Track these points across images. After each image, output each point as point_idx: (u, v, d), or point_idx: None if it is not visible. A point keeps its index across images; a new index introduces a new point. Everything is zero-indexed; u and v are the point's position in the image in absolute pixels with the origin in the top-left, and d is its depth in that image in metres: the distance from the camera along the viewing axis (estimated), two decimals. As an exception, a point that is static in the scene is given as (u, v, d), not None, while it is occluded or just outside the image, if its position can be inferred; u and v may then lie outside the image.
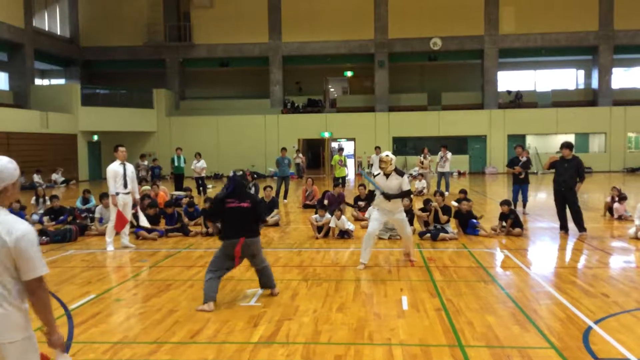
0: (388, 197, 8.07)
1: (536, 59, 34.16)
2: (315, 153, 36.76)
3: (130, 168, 10.27)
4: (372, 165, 20.53)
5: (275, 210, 13.08)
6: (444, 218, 10.81)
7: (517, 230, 10.92)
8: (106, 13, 33.36)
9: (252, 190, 16.58)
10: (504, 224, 11.02)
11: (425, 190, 19.02)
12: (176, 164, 20.63)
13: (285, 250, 9.93)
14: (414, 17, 31.87)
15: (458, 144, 31.21)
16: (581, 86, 34.90)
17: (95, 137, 30.34)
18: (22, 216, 12.24)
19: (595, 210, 14.13)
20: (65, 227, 11.55)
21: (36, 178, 24.86)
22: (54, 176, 26.25)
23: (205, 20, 33.18)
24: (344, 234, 10.95)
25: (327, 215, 11.21)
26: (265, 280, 6.75)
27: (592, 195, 18.55)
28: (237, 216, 6.40)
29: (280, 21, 32.77)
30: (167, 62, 33.64)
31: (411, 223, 11.30)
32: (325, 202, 12.75)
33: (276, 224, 12.63)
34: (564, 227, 11.06)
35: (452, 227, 11.03)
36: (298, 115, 32.79)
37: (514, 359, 4.75)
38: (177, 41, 33.36)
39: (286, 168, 17.93)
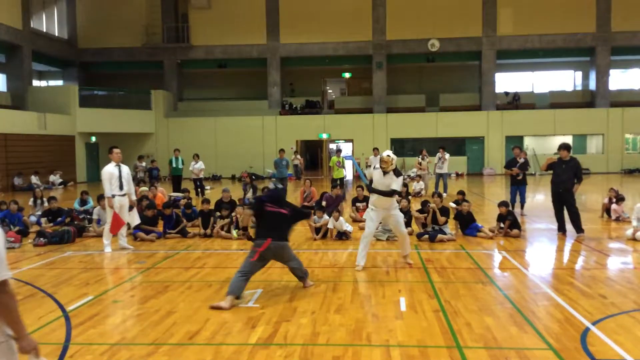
0: (370, 189, 8.12)
1: (534, 61, 34.24)
2: (314, 154, 36.77)
3: (125, 169, 10.26)
4: (369, 166, 20.53)
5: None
6: (442, 219, 10.81)
7: (515, 231, 10.94)
8: (104, 14, 33.33)
9: (250, 192, 16.60)
10: (502, 225, 11.03)
11: (423, 192, 19.04)
12: (174, 165, 20.64)
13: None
14: (412, 18, 31.90)
15: (456, 146, 31.27)
16: (579, 87, 34.96)
17: (93, 139, 30.30)
18: (19, 218, 12.24)
19: (593, 212, 14.15)
20: (63, 228, 11.54)
21: (34, 179, 24.84)
22: (52, 177, 26.23)
23: (203, 21, 33.19)
24: (342, 235, 10.95)
25: (325, 216, 11.21)
26: (297, 275, 7.22)
27: (589, 196, 18.58)
28: (272, 219, 6.83)
29: (278, 23, 32.79)
30: (165, 63, 33.62)
31: (409, 224, 11.36)
32: (324, 203, 12.75)
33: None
34: (561, 229, 11.07)
35: (450, 228, 11.03)
36: (296, 117, 32.79)
37: (512, 360, 4.75)
38: (175, 42, 33.35)
39: (284, 169, 17.93)
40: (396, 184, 8.07)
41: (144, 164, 26.45)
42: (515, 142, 28.54)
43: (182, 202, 14.01)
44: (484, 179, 29.03)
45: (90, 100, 30.26)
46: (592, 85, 32.56)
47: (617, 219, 12.86)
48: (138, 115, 31.37)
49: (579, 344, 5.09)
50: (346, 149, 32.26)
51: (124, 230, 10.36)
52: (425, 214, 11.11)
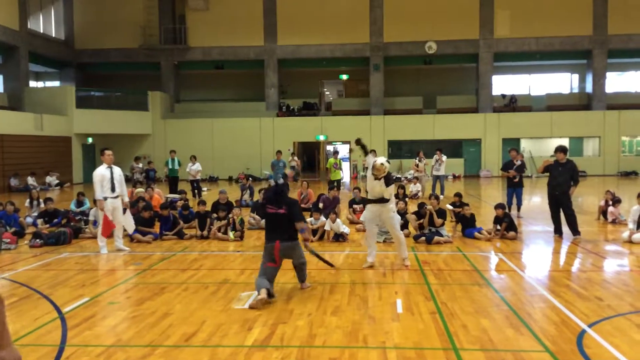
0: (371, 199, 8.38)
1: (531, 63, 34.33)
2: (311, 156, 36.77)
3: (117, 171, 10.21)
4: (367, 168, 20.50)
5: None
6: (438, 221, 10.83)
7: (512, 233, 10.95)
8: (101, 15, 33.30)
9: (247, 193, 16.59)
10: (499, 227, 11.04)
11: (420, 194, 19.05)
12: (170, 166, 20.62)
13: (280, 253, 9.91)
14: (410, 20, 31.94)
15: (453, 148, 31.30)
16: (575, 90, 35.05)
17: (90, 140, 30.23)
18: (15, 219, 12.21)
19: (590, 214, 14.17)
20: (59, 229, 11.51)
21: (30, 180, 24.78)
22: (48, 179, 26.16)
23: (200, 23, 33.17)
24: (339, 237, 10.95)
25: (322, 218, 11.20)
26: (299, 274, 7.28)
27: (586, 198, 18.62)
28: (274, 221, 6.96)
29: (275, 24, 32.79)
30: (162, 64, 33.59)
31: (406, 227, 11.37)
32: (320, 205, 12.75)
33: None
34: (558, 231, 11.09)
35: (447, 230, 11.05)
36: (293, 118, 32.79)
37: (508, 363, 4.76)
38: (172, 44, 33.32)
39: (281, 171, 17.92)
40: (386, 192, 8.24)
41: (140, 165, 26.42)
42: (512, 144, 28.61)
43: (179, 203, 14.00)
44: (480, 181, 29.06)
45: (87, 101, 30.19)
46: (589, 87, 32.65)
47: (614, 222, 12.88)
48: (135, 117, 31.32)
49: (575, 346, 5.10)
50: (343, 150, 32.28)
51: (120, 232, 10.34)
52: (422, 218, 11.11)
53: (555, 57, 33.20)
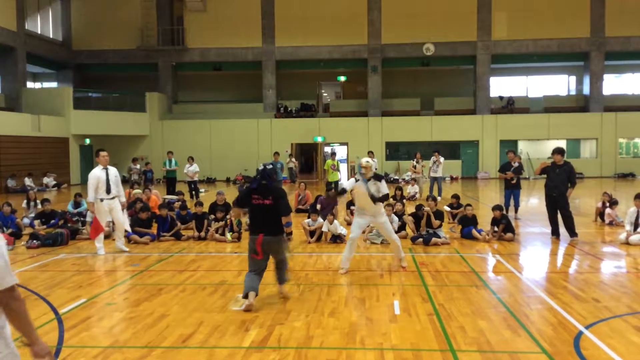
0: (374, 199, 8.01)
1: (528, 65, 34.38)
2: (308, 157, 36.77)
3: (113, 172, 10.15)
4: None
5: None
6: (436, 223, 10.83)
7: (509, 235, 10.96)
8: (99, 16, 33.26)
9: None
10: (496, 228, 11.05)
11: (417, 195, 19.06)
12: (167, 167, 20.62)
13: (278, 254, 9.91)
14: (407, 22, 31.98)
15: (451, 149, 31.33)
16: (573, 92, 35.11)
17: (88, 141, 30.20)
18: (12, 220, 12.18)
19: (587, 216, 14.20)
20: (57, 230, 11.48)
21: (28, 181, 24.73)
22: (46, 180, 26.12)
23: (198, 24, 33.16)
24: (337, 239, 10.95)
25: (320, 219, 11.20)
26: (278, 274, 6.90)
27: (583, 200, 18.64)
28: (259, 212, 6.57)
29: (273, 26, 32.79)
30: (160, 65, 33.57)
31: (403, 229, 11.38)
32: (318, 206, 12.74)
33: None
34: (555, 232, 11.11)
35: (444, 231, 11.06)
36: (291, 120, 32.80)
37: (506, 364, 4.76)
38: (170, 45, 33.29)
39: (279, 172, 17.92)
40: (383, 187, 8.19)
41: (138, 166, 26.37)
42: (509, 146, 28.63)
43: (176, 204, 13.98)
44: (478, 182, 29.09)
45: (85, 102, 30.14)
46: (586, 90, 32.71)
47: (611, 223, 12.90)
48: (132, 118, 31.28)
49: (572, 347, 5.10)
50: (341, 152, 32.27)
51: (121, 233, 10.30)
52: (419, 219, 11.12)
53: (553, 59, 33.26)
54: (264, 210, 6.54)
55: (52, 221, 12.85)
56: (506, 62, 33.48)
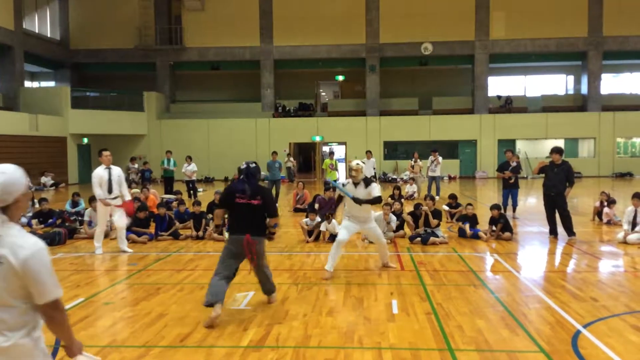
0: (359, 201, 7.77)
1: (526, 65, 34.41)
2: (307, 157, 36.76)
3: (116, 172, 10.11)
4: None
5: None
6: (434, 222, 10.83)
7: (507, 234, 10.97)
8: (97, 15, 33.20)
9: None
10: (494, 228, 11.06)
11: (416, 195, 19.07)
12: (166, 167, 20.62)
13: (276, 254, 9.91)
14: (405, 22, 31.98)
15: (449, 149, 31.35)
16: (570, 92, 35.16)
17: (85, 140, 30.15)
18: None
19: (585, 215, 14.21)
20: (54, 230, 11.47)
21: (25, 181, 24.65)
22: (43, 179, 26.08)
23: (196, 23, 33.12)
24: (335, 238, 10.92)
25: (318, 219, 11.20)
26: (264, 286, 6.55)
27: (581, 199, 18.67)
28: (245, 212, 6.10)
29: (271, 25, 32.77)
30: (158, 65, 33.52)
31: (402, 227, 11.38)
32: (316, 206, 12.74)
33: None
34: (553, 232, 11.12)
35: (442, 231, 11.06)
36: (289, 119, 32.79)
37: (504, 363, 4.76)
38: (168, 44, 33.25)
39: (277, 172, 17.92)
40: (374, 190, 7.94)
41: (136, 165, 26.38)
42: (507, 145, 28.67)
43: (174, 204, 13.96)
44: (476, 182, 29.12)
45: (83, 101, 30.09)
46: (584, 89, 32.75)
47: (609, 222, 12.92)
48: (130, 117, 31.24)
49: (570, 346, 5.11)
50: (339, 151, 32.27)
51: (123, 234, 10.27)
52: (418, 219, 11.12)
53: (551, 58, 33.31)
54: (251, 210, 6.11)
55: (50, 220, 12.83)
56: (504, 61, 33.52)
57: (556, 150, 11.02)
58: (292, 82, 35.14)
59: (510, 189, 14.12)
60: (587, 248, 10.09)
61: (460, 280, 7.71)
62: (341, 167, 28.87)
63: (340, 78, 35.86)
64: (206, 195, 19.77)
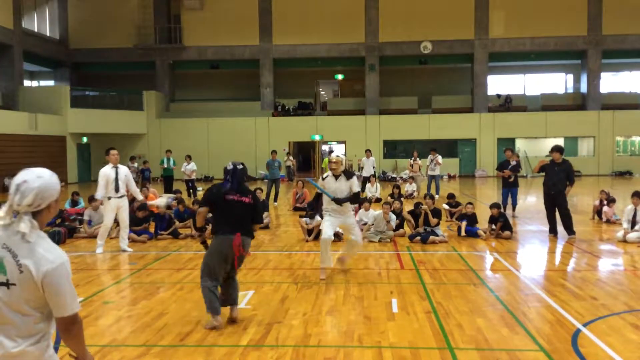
0: (339, 201, 7.67)
1: (525, 63, 34.42)
2: (306, 156, 36.75)
3: (123, 171, 10.09)
4: (362, 168, 20.58)
5: (266, 213, 13.06)
6: (434, 221, 10.84)
7: (507, 233, 10.97)
8: (96, 15, 33.18)
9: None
10: (494, 226, 11.06)
11: (415, 194, 19.08)
12: (165, 166, 20.62)
13: (276, 252, 9.92)
14: (405, 20, 31.97)
15: (448, 147, 31.35)
16: (570, 90, 35.17)
17: (85, 139, 30.14)
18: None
19: (584, 214, 14.21)
20: (54, 229, 11.45)
21: (24, 180, 24.65)
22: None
23: (195, 22, 33.10)
24: (334, 237, 10.91)
25: (317, 217, 11.19)
26: (228, 293, 5.92)
27: (580, 198, 18.67)
28: (235, 210, 5.72)
29: (270, 24, 32.76)
30: (157, 64, 33.50)
31: (401, 226, 11.39)
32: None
33: (266, 227, 12.61)
34: (553, 230, 11.12)
35: (442, 230, 11.07)
36: (289, 118, 32.78)
37: (503, 362, 4.77)
38: (167, 43, 33.23)
39: (276, 171, 17.93)
40: (355, 185, 7.86)
41: (135, 164, 26.33)
42: (507, 144, 28.68)
43: (174, 203, 13.95)
44: (475, 180, 29.12)
45: (82, 100, 30.09)
46: (584, 88, 32.76)
47: (608, 221, 12.93)
48: (130, 116, 31.22)
49: (569, 345, 5.11)
50: (339, 150, 32.29)
51: (125, 233, 10.26)
52: (417, 217, 11.13)
53: (550, 57, 33.33)
54: (243, 207, 5.79)
55: (50, 220, 12.80)
56: (504, 60, 33.54)
57: (557, 149, 11.03)
58: (291, 81, 35.12)
59: (509, 188, 14.12)
60: (586, 247, 10.09)
61: (460, 279, 7.71)
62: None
63: (340, 77, 35.85)
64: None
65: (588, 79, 32.05)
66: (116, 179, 9.91)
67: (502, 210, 11.83)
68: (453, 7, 31.80)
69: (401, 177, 28.40)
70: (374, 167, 20.24)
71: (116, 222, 10.67)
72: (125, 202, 10.11)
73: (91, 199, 12.02)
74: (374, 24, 32.24)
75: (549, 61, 34.23)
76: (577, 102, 33.02)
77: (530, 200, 18.75)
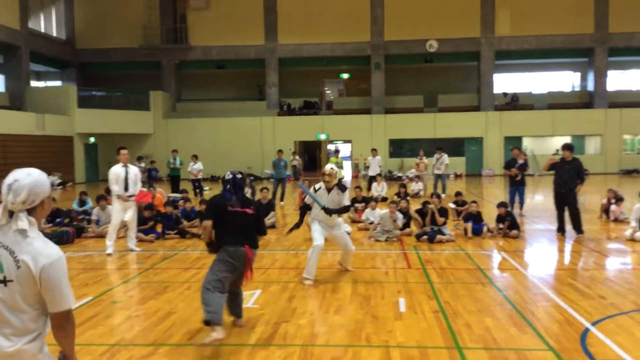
0: (329, 211, 7.50)
1: (532, 61, 34.32)
2: (312, 155, 36.76)
3: (133, 171, 10.12)
4: (368, 167, 20.56)
5: (272, 212, 13.08)
6: (440, 220, 10.83)
7: (514, 232, 10.94)
8: (102, 15, 33.31)
9: (249, 193, 16.61)
10: (501, 225, 11.03)
11: (422, 193, 19.05)
12: (172, 165, 20.69)
13: (282, 252, 9.93)
14: (410, 19, 31.92)
15: (454, 146, 31.23)
16: (577, 88, 35.03)
17: (92, 139, 30.26)
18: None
19: (592, 212, 14.15)
20: (62, 229, 11.52)
21: (32, 180, 24.77)
22: (51, 178, 25.99)
23: (201, 22, 33.17)
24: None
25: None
26: (235, 305, 5.80)
27: (588, 197, 18.58)
28: (239, 222, 5.53)
29: (276, 23, 32.78)
30: (164, 64, 33.58)
31: (408, 226, 11.37)
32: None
33: (273, 226, 12.62)
34: (561, 229, 11.07)
35: (449, 229, 11.04)
36: (294, 118, 32.79)
37: (512, 361, 4.75)
38: (173, 43, 33.33)
39: (283, 170, 17.95)
40: (345, 199, 7.75)
41: (142, 164, 26.41)
42: (513, 142, 28.56)
43: (180, 202, 13.99)
44: (482, 179, 29.05)
45: (89, 101, 30.21)
46: (590, 86, 32.62)
47: (616, 220, 12.87)
48: (136, 116, 31.32)
49: (578, 344, 5.09)
50: (344, 149, 32.27)
51: (133, 233, 10.29)
52: (424, 216, 11.11)
53: (557, 55, 33.19)
54: (247, 219, 5.58)
55: (58, 219, 12.88)
56: (510, 58, 33.43)
57: (567, 147, 10.99)
58: (296, 80, 35.14)
59: (517, 187, 14.07)
60: (594, 245, 10.05)
61: (468, 278, 7.69)
62: (347, 165, 28.92)
63: (345, 76, 35.82)
64: (212, 194, 19.80)
65: (595, 77, 31.90)
66: (126, 178, 9.94)
67: (509, 209, 11.80)
68: (459, 5, 31.73)
69: (407, 176, 28.35)
70: (380, 166, 20.23)
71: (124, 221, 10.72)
72: (133, 202, 10.12)
73: (99, 199, 12.07)
74: (380, 23, 32.20)
75: (556, 59, 34.11)
76: (584, 100, 32.89)
77: (538, 199, 18.68)
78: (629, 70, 35.21)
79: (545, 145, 31.43)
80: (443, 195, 16.47)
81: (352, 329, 5.62)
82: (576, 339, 5.22)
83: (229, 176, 5.71)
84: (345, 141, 32.74)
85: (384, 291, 7.06)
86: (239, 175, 5.73)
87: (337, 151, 20.11)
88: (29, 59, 29.58)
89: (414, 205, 13.54)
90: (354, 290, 7.14)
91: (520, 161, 14.09)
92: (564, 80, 35.91)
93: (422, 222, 11.17)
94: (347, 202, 7.78)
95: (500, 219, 11.12)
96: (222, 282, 5.34)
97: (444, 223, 10.88)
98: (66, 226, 11.85)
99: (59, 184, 26.28)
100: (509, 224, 11.01)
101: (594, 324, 5.63)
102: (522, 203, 14.18)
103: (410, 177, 26.16)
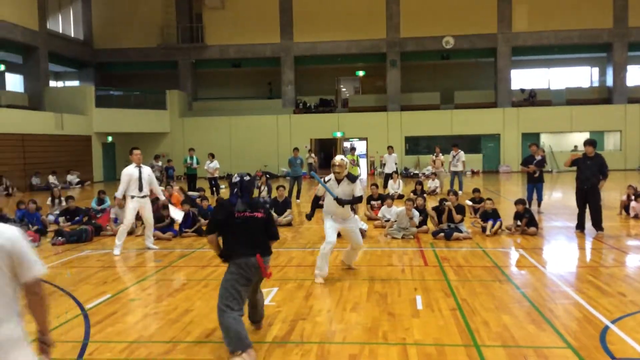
0: (341, 202, 7.41)
1: (549, 57, 33.89)
2: (328, 153, 36.75)
3: (146, 171, 10.16)
4: (384, 164, 20.51)
5: (288, 210, 13.11)
6: (457, 217, 10.77)
7: (532, 229, 10.85)
8: (119, 15, 33.61)
9: (265, 191, 16.66)
10: (519, 223, 10.95)
11: (438, 190, 18.96)
12: (189, 164, 20.83)
13: (299, 250, 9.95)
14: (426, 15, 31.75)
15: (471, 143, 31.05)
16: (595, 84, 34.58)
17: (110, 139, 30.57)
18: (38, 217, 12.38)
19: (611, 209, 13.98)
20: (81, 227, 11.64)
21: (51, 179, 25.11)
22: (69, 177, 26.49)
23: (217, 21, 33.31)
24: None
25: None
26: (255, 312, 5.62)
27: (608, 193, 18.34)
28: (247, 228, 5.13)
29: (291, 21, 32.81)
30: (180, 63, 33.79)
31: (424, 223, 11.33)
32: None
33: (289, 224, 12.65)
34: (580, 227, 10.95)
35: (465, 226, 10.98)
36: (310, 115, 32.80)
37: (530, 359, 4.72)
38: (189, 42, 33.53)
39: (299, 168, 17.96)
40: (357, 189, 7.60)
41: (160, 163, 26.62)
42: (531, 139, 28.28)
43: (198, 200, 14.07)
44: (500, 176, 28.84)
45: (106, 100, 30.51)
46: (609, 81, 32.18)
47: (636, 217, 12.72)
48: (153, 115, 31.58)
49: (598, 342, 5.04)
50: (360, 147, 32.22)
51: (150, 231, 10.36)
52: (441, 214, 11.05)
53: (575, 50, 32.78)
54: (257, 223, 5.17)
55: (77, 218, 13.03)
56: (527, 54, 33.08)
57: (590, 143, 10.84)
58: (312, 78, 35.15)
59: (535, 184, 13.95)
60: (614, 242, 9.93)
61: (485, 276, 7.65)
62: (362, 162, 28.85)
63: (361, 73, 35.69)
64: (228, 192, 19.89)
65: (614, 72, 31.46)
66: (140, 178, 9.99)
67: (527, 206, 11.70)
68: (475, 1, 31.48)
69: (423, 174, 28.24)
70: (396, 164, 20.17)
71: (141, 220, 10.81)
72: (147, 202, 10.17)
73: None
74: (395, 19, 32.07)
75: (574, 54, 33.68)
76: (602, 96, 32.46)
77: (556, 195, 18.50)
78: (649, 65, 34.67)
79: (563, 141, 31.09)
80: (460, 193, 16.39)
81: (368, 326, 5.61)
82: (595, 337, 5.17)
83: (236, 179, 5.34)
84: (361, 139, 32.68)
85: (400, 289, 7.05)
86: (247, 177, 5.35)
87: (353, 149, 20.08)
88: (47, 60, 29.92)
89: (431, 203, 13.48)
90: (370, 287, 7.13)
91: (538, 157, 13.97)
92: (582, 76, 35.46)
93: (438, 220, 11.12)
94: (359, 193, 7.64)
95: (518, 216, 11.03)
96: (237, 297, 4.99)
97: (461, 220, 10.82)
98: (85, 225, 11.97)
99: (78, 183, 26.58)
100: (527, 221, 10.92)
101: (613, 321, 5.57)
102: (540, 200, 14.06)
103: (427, 174, 26.07)
